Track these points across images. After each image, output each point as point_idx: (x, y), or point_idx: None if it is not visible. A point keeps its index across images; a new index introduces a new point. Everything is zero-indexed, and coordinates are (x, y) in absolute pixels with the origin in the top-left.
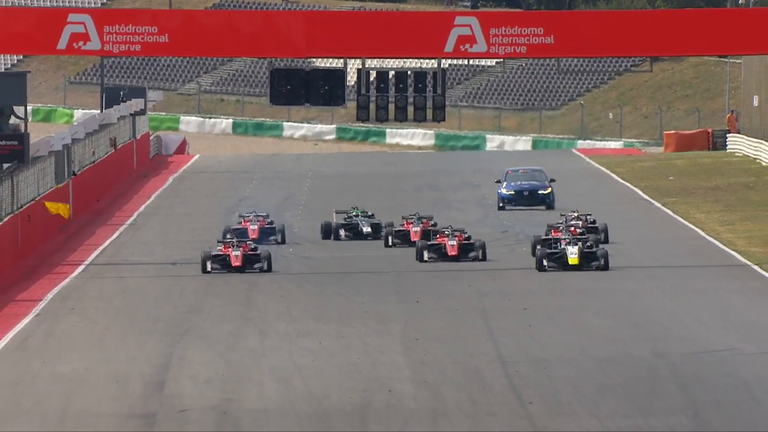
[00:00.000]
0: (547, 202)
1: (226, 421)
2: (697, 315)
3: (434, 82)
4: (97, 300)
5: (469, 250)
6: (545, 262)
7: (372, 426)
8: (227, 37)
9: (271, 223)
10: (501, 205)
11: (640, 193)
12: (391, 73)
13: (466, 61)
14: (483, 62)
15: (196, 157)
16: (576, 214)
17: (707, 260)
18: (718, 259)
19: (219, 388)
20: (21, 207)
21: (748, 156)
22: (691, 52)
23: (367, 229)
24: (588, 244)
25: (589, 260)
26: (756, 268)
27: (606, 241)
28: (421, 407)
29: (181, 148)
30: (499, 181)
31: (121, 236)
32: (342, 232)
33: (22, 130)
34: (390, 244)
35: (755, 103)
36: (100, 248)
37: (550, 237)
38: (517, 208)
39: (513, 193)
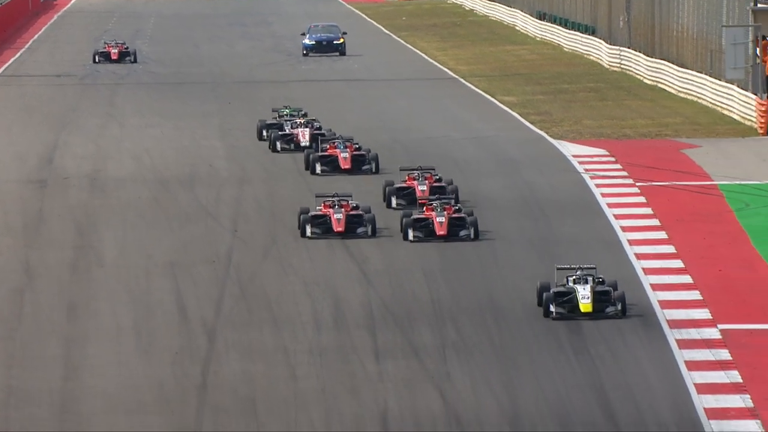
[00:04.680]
0: (340, 49)
1: (96, 185)
2: (422, 112)
3: None
4: (5, 101)
5: (461, 227)
6: (552, 308)
7: (197, 189)
8: None
9: (127, 48)
10: (305, 52)
11: (383, 28)
12: None
13: None
14: None
15: (74, 0)
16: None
17: (428, 75)
18: (436, 74)
19: (91, 162)
20: None
21: (456, 3)
22: None
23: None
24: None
25: (604, 305)
26: (462, 80)
27: (457, 201)
28: (232, 176)
29: None
30: (303, 34)
31: (21, 56)
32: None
33: None
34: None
35: None
36: (6, 65)
37: (405, 186)
38: (318, 54)
39: (314, 43)
